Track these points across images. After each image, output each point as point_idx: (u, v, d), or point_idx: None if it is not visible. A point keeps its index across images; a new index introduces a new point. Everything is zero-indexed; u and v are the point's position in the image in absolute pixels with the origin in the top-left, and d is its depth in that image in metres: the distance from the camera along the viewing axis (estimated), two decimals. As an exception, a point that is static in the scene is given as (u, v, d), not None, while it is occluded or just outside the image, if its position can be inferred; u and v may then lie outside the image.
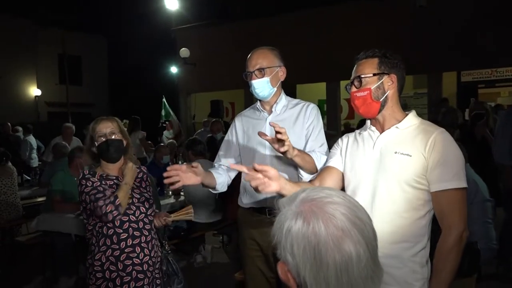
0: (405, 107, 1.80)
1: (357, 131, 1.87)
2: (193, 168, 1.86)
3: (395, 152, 1.62)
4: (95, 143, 2.21)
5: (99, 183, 2.15)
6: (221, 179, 2.22)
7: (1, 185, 4.90)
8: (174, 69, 14.50)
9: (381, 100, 1.66)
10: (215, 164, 2.39)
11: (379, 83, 1.66)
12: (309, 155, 2.08)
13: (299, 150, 1.97)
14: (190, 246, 4.86)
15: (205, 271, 4.54)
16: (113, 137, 2.22)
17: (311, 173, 2.09)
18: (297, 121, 2.22)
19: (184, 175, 1.82)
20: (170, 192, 4.87)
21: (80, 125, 14.40)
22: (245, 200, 2.34)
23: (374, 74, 1.66)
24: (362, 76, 1.67)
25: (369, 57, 1.70)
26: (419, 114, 1.76)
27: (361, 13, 9.81)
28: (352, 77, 1.72)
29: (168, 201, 4.76)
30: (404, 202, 1.59)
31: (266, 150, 2.24)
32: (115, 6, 20.04)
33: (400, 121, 1.68)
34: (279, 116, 2.24)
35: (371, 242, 0.82)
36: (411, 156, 1.59)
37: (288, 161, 2.17)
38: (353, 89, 1.71)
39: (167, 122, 10.03)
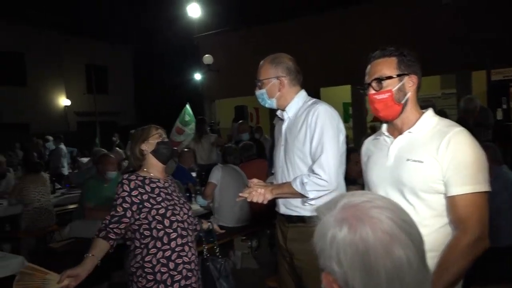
0: (434, 108, 1.72)
1: (372, 138, 1.82)
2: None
3: (407, 160, 1.55)
4: (154, 142, 2.31)
5: (127, 193, 2.19)
6: None
7: (36, 192, 5.04)
8: (198, 76, 14.66)
9: (402, 102, 1.58)
10: (272, 171, 2.50)
11: (400, 84, 1.57)
12: (287, 186, 2.10)
13: (277, 187, 2.11)
14: (219, 252, 4.85)
15: (235, 278, 4.52)
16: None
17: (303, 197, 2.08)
18: (301, 128, 2.15)
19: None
20: (198, 198, 4.89)
21: (108, 133, 14.81)
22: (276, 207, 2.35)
23: (396, 76, 1.57)
24: (383, 77, 1.58)
25: (386, 56, 1.60)
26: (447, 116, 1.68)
27: (384, 13, 9.68)
28: (369, 78, 1.63)
29: (195, 207, 4.79)
30: (425, 210, 1.51)
31: (280, 156, 2.26)
32: (140, 16, 20.46)
33: (415, 123, 1.59)
34: (290, 123, 2.24)
35: (419, 245, 0.79)
36: (422, 162, 1.51)
37: (303, 168, 2.14)
38: (371, 91, 1.61)
39: (179, 127, 9.97)
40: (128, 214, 2.17)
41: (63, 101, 20.08)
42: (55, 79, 19.55)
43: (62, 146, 10.52)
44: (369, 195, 0.85)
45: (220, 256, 2.69)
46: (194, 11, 12.85)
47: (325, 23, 10.71)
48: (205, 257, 2.47)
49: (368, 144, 1.82)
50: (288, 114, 2.24)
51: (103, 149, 6.28)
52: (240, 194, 2.10)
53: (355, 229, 0.78)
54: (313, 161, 2.09)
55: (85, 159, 9.93)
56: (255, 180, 2.15)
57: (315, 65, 9.65)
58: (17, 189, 5.04)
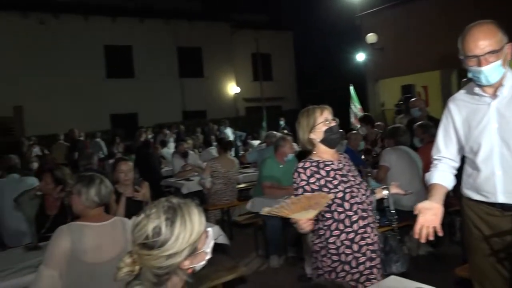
0: None
1: None
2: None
3: None
4: (321, 131, 2.25)
5: (306, 182, 2.20)
6: (449, 182, 2.15)
7: (225, 177, 5.62)
8: (360, 56, 14.30)
9: None
10: (434, 157, 2.24)
11: None
12: None
13: None
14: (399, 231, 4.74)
15: (414, 264, 4.35)
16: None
17: None
18: None
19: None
20: (371, 182, 4.83)
21: (273, 117, 15.73)
22: (469, 193, 2.16)
23: None
24: None
25: None
26: None
27: None
28: None
29: (367, 189, 4.75)
30: None
31: (492, 139, 1.98)
32: (299, 1, 20.89)
33: None
34: (506, 99, 1.94)
35: None
36: None
37: None
38: None
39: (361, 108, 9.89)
40: None
41: (233, 89, 21.95)
42: (226, 69, 21.47)
43: (228, 130, 11.87)
44: None
45: (399, 237, 2.61)
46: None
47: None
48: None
49: None
50: (503, 90, 1.95)
51: (276, 132, 6.69)
52: None
53: None
54: None
55: (255, 142, 10.75)
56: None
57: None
58: (208, 170, 5.67)
